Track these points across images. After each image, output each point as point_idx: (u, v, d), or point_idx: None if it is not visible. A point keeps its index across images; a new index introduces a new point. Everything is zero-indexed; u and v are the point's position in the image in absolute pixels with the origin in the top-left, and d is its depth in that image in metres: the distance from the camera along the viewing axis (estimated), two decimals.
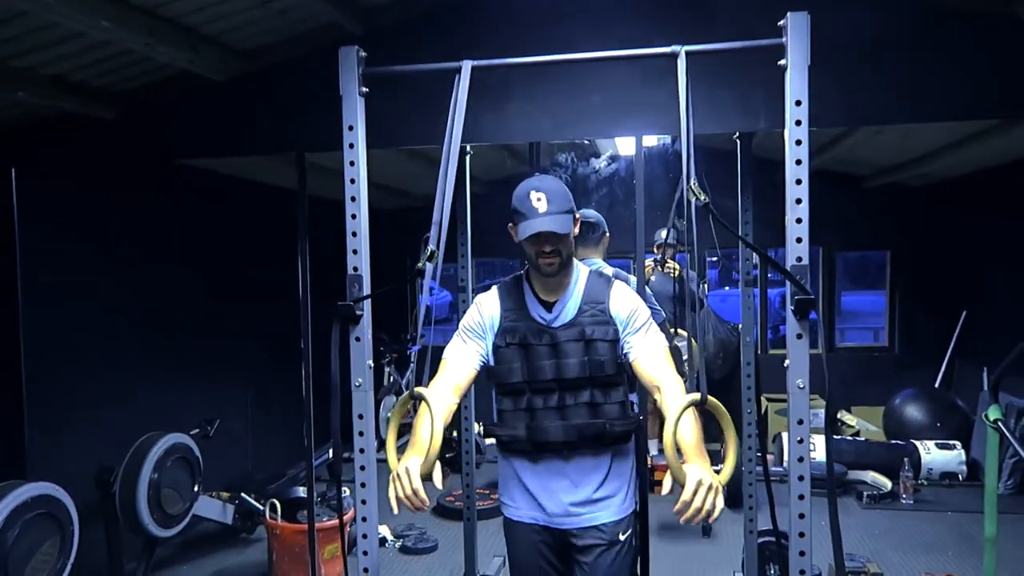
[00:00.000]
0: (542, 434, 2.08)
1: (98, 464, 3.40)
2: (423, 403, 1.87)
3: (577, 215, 2.16)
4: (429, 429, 1.80)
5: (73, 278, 3.81)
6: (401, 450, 1.94)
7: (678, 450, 1.78)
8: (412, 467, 1.77)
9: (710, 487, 1.70)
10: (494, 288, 2.23)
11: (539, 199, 2.01)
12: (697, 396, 1.77)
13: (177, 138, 3.36)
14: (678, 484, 1.72)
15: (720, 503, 1.72)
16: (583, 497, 2.13)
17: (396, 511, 1.83)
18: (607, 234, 3.01)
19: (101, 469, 3.36)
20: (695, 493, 1.68)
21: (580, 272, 2.16)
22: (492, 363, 2.13)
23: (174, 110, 3.31)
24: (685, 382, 2.05)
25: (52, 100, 3.12)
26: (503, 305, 2.15)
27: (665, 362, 2.04)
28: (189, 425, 3.91)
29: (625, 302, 2.11)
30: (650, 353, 2.05)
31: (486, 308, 2.17)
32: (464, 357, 2.14)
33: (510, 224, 2.12)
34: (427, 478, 1.77)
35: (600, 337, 2.06)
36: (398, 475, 1.79)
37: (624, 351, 2.09)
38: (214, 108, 3.27)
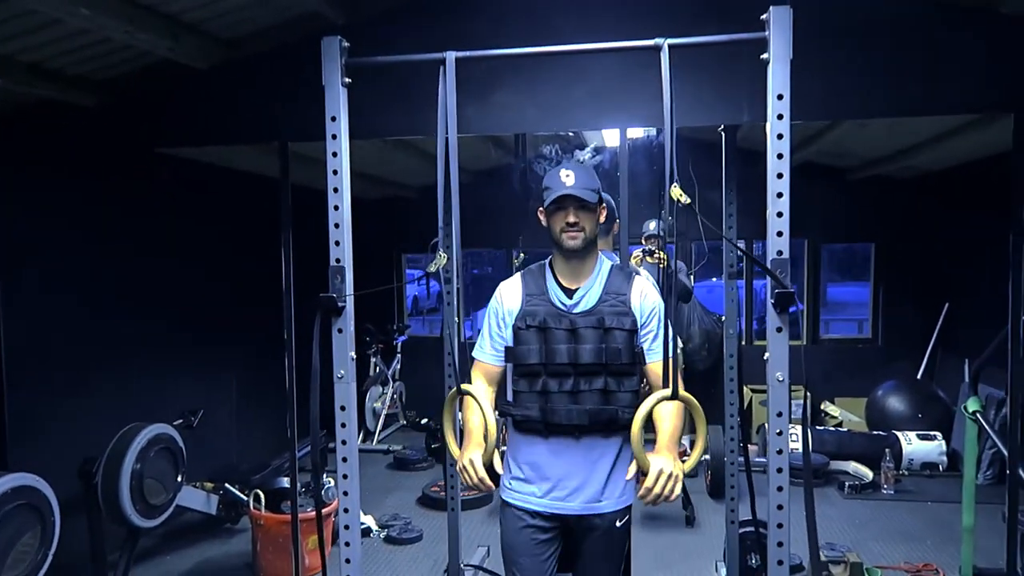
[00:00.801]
0: (555, 416, 2.11)
1: (80, 455, 3.38)
2: (469, 397, 2.06)
3: (603, 204, 2.23)
4: (481, 422, 2.05)
5: (54, 268, 3.77)
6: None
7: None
8: (475, 459, 2.03)
9: (670, 475, 1.94)
10: (517, 275, 2.29)
11: (568, 175, 2.13)
12: (668, 392, 1.95)
13: (159, 126, 3.33)
14: (641, 472, 1.97)
15: (678, 489, 1.96)
16: (590, 488, 2.16)
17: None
18: (617, 220, 3.00)
19: (83, 460, 3.33)
20: (656, 480, 1.93)
21: (603, 263, 2.24)
22: (511, 344, 2.18)
23: (156, 98, 3.27)
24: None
25: (30, 87, 3.07)
26: (525, 290, 2.21)
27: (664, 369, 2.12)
28: (172, 415, 3.89)
29: (646, 298, 2.19)
30: (653, 358, 2.16)
31: (507, 297, 2.24)
32: (490, 353, 2.24)
33: (539, 208, 2.20)
34: (490, 465, 2.03)
35: (618, 326, 2.12)
36: (464, 467, 2.05)
37: (641, 349, 2.16)
38: (196, 96, 3.24)
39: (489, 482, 2.01)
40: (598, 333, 2.11)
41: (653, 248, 5.35)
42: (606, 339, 2.11)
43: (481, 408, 2.04)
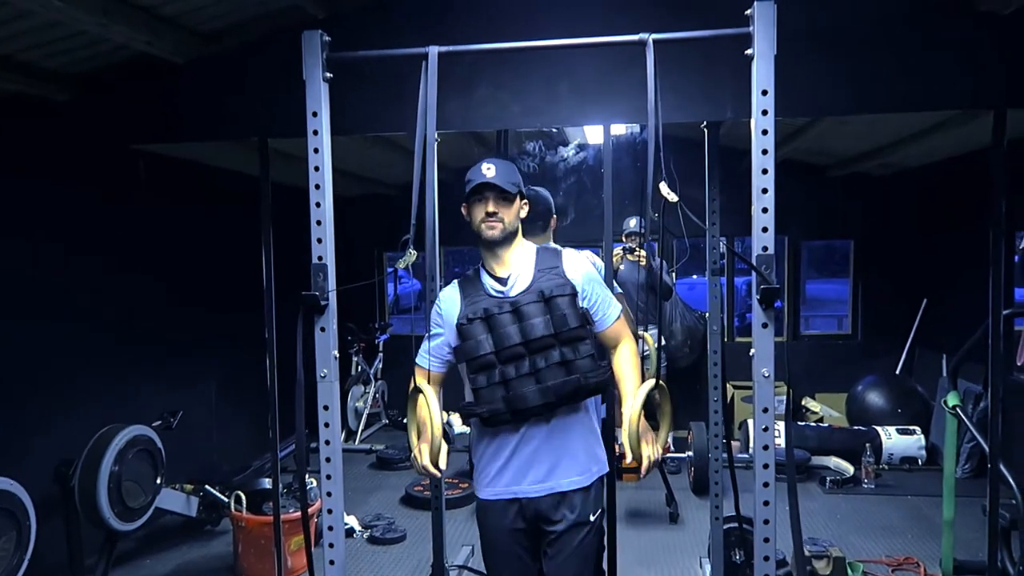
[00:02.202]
0: (521, 402, 2.10)
1: (56, 457, 3.32)
2: (421, 395, 2.12)
3: (524, 200, 2.27)
4: (430, 420, 2.07)
5: (28, 269, 3.69)
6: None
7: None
8: (423, 450, 2.08)
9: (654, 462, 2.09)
10: (454, 283, 2.31)
11: (489, 168, 2.17)
12: (651, 384, 2.05)
13: (135, 122, 3.26)
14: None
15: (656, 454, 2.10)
16: (554, 464, 2.17)
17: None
18: (555, 215, 2.96)
19: (60, 462, 3.28)
20: (647, 470, 2.08)
21: (528, 247, 2.28)
22: (459, 343, 2.17)
23: (132, 93, 3.20)
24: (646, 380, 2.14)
25: (2, 81, 3.00)
26: (463, 292, 2.23)
27: (621, 326, 2.26)
28: (151, 417, 3.83)
29: (578, 265, 2.24)
30: (607, 323, 2.23)
31: (445, 302, 2.27)
32: (430, 357, 2.24)
33: (463, 203, 2.24)
34: (437, 459, 2.07)
35: (559, 293, 2.14)
36: (413, 459, 2.12)
37: (591, 314, 2.19)
38: (174, 91, 3.18)
39: (433, 470, 2.06)
40: (541, 306, 2.13)
41: (633, 246, 5.35)
42: (550, 309, 2.13)
43: (429, 408, 2.07)
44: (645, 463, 2.04)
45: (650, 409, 2.13)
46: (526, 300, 2.13)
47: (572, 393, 2.12)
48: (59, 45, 2.93)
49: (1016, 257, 5.09)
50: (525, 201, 2.27)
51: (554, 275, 2.18)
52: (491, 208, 2.14)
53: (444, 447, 2.08)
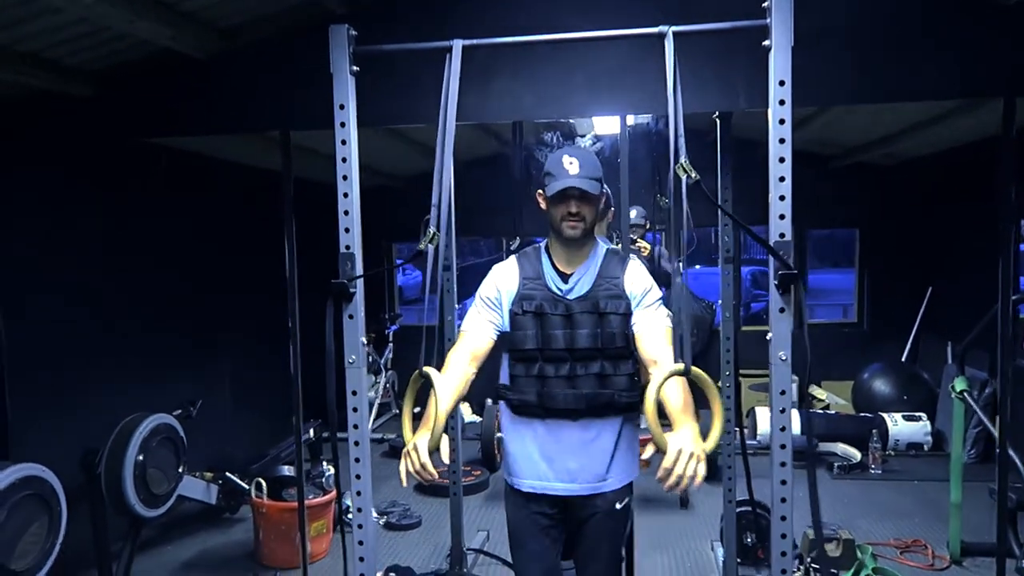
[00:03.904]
0: (552, 401, 2.13)
1: (81, 445, 3.39)
2: (432, 379, 1.98)
3: (605, 190, 2.22)
4: (434, 407, 1.93)
5: (54, 259, 3.76)
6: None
7: (664, 417, 1.87)
8: (420, 444, 1.90)
9: (691, 455, 1.76)
10: (513, 258, 2.28)
11: (571, 163, 2.10)
12: (681, 366, 1.87)
13: (157, 116, 3.32)
14: (660, 452, 1.79)
15: (702, 470, 1.78)
16: (590, 469, 2.17)
17: (404, 483, 1.97)
18: (612, 208, 3.01)
19: (86, 451, 3.34)
20: (676, 461, 1.74)
21: (598, 249, 2.24)
22: (508, 329, 2.18)
23: (154, 88, 3.26)
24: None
25: (27, 78, 3.06)
26: (522, 273, 2.21)
27: (664, 340, 2.11)
28: (172, 406, 3.90)
29: (639, 280, 2.20)
30: (652, 329, 2.12)
31: (502, 279, 2.23)
32: (480, 327, 2.20)
33: (539, 191, 2.20)
34: (436, 451, 1.91)
35: (613, 311, 2.13)
36: (408, 452, 1.92)
37: (631, 324, 2.16)
38: (195, 86, 3.24)
39: (432, 469, 1.89)
40: (594, 318, 2.13)
41: (635, 237, 5.42)
42: (601, 324, 2.13)
43: (436, 395, 1.93)
44: (672, 455, 1.74)
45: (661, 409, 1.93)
46: (580, 308, 2.13)
47: (603, 406, 2.14)
48: (83, 42, 2.98)
49: (1023, 245, 5.13)
50: (603, 194, 2.23)
51: (613, 286, 2.15)
52: (574, 209, 2.10)
53: (445, 439, 1.94)
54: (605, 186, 2.92)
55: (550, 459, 2.19)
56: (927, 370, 6.32)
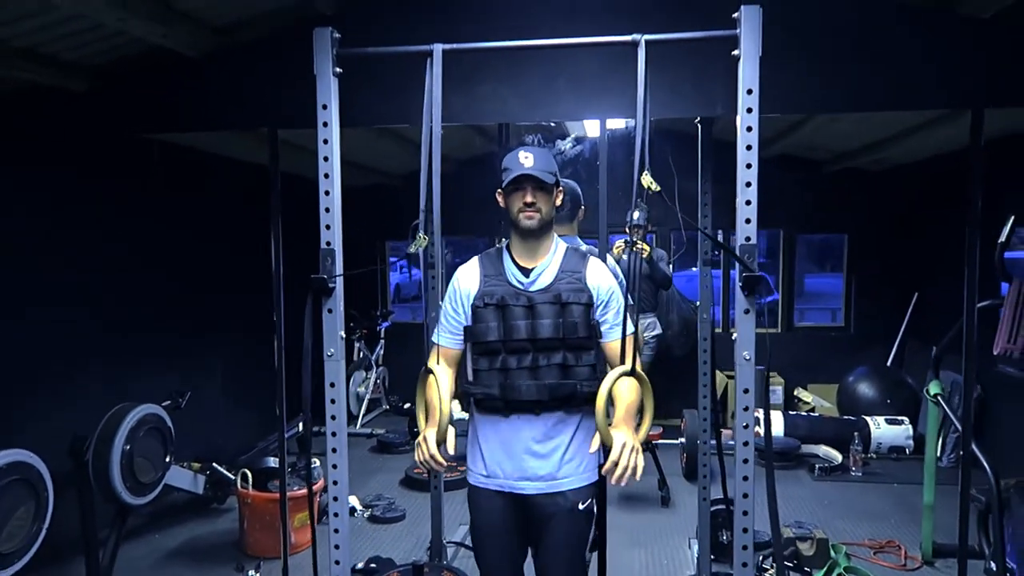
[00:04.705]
0: (515, 392, 2.18)
1: (70, 433, 3.45)
2: (431, 376, 2.15)
3: (560, 189, 2.30)
4: (438, 402, 2.08)
5: (45, 249, 3.83)
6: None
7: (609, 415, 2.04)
8: (429, 437, 2.07)
9: (632, 448, 1.97)
10: (474, 259, 2.34)
11: (526, 157, 2.19)
12: (626, 367, 2.05)
13: (150, 112, 3.38)
14: (604, 444, 1.99)
15: (641, 462, 1.98)
16: (550, 464, 2.21)
17: (422, 472, 2.09)
18: (583, 207, 3.05)
19: (74, 438, 3.40)
20: (620, 454, 1.94)
21: (558, 245, 2.30)
22: (470, 324, 2.23)
23: (147, 84, 3.31)
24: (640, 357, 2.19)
25: (22, 72, 3.12)
26: (483, 271, 2.27)
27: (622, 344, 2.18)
28: (161, 396, 3.96)
29: (602, 277, 2.26)
30: (612, 336, 2.23)
31: (463, 280, 2.29)
32: (449, 336, 2.29)
33: (498, 191, 2.27)
34: (443, 443, 2.07)
35: (575, 301, 2.18)
36: (418, 443, 2.10)
37: (599, 325, 2.22)
38: (187, 83, 3.29)
39: (440, 458, 2.05)
40: (555, 308, 2.17)
41: (636, 238, 5.47)
42: (563, 314, 2.17)
43: (439, 390, 2.09)
44: (616, 449, 1.94)
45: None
46: (542, 299, 2.18)
47: (566, 397, 2.19)
48: (79, 38, 3.04)
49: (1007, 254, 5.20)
50: (560, 190, 2.29)
51: (575, 280, 2.21)
52: (529, 198, 2.17)
53: (451, 431, 2.08)
54: (574, 185, 2.98)
55: (511, 456, 2.22)
56: (912, 375, 6.39)
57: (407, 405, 6.69)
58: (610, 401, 2.09)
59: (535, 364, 2.18)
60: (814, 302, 14.29)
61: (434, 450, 2.05)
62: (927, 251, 6.47)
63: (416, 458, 2.13)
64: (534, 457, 2.21)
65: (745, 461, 2.20)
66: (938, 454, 5.13)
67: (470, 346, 2.24)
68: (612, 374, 2.05)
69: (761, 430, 2.27)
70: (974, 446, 3.02)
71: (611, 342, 2.23)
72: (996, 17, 2.73)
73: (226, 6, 3.10)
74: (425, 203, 2.16)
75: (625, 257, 5.46)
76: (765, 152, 2.13)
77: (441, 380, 2.12)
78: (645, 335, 5.38)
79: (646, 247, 5.25)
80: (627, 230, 5.50)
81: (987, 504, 3.47)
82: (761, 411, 2.31)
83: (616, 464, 1.93)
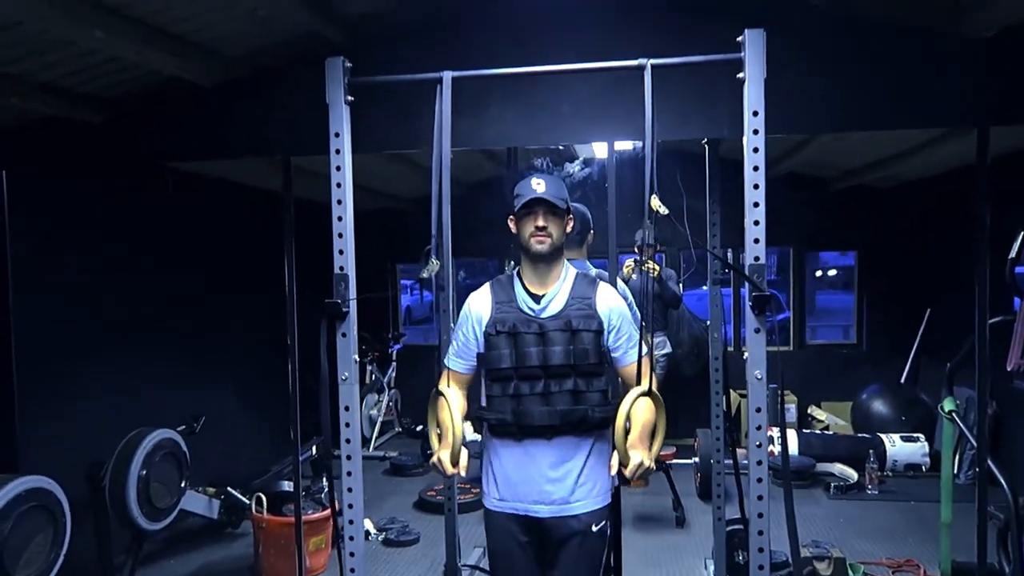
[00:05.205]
0: (527, 418, 2.20)
1: (87, 458, 3.48)
2: (442, 399, 2.20)
3: (571, 215, 2.34)
4: (451, 423, 2.12)
5: (63, 277, 3.89)
6: None
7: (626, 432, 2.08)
8: (443, 458, 2.12)
9: (648, 469, 2.06)
10: (486, 285, 2.37)
11: (538, 184, 2.23)
12: (644, 388, 2.10)
13: (165, 141, 3.44)
14: (622, 465, 2.05)
15: (646, 478, 2.06)
16: (564, 487, 2.23)
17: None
18: (592, 231, 3.09)
19: (91, 464, 3.44)
20: (635, 472, 2.04)
21: (568, 271, 2.33)
22: (483, 350, 2.26)
23: (162, 114, 3.38)
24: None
25: (41, 105, 3.19)
26: (494, 298, 2.30)
27: (637, 366, 2.22)
28: (176, 420, 4.00)
29: (612, 302, 2.29)
30: (628, 360, 2.25)
31: (475, 306, 2.32)
32: (461, 362, 2.33)
33: (510, 216, 2.30)
34: (456, 460, 2.12)
35: (585, 328, 2.21)
36: (434, 464, 2.16)
37: (611, 350, 2.25)
38: (201, 113, 3.36)
39: (455, 471, 2.12)
40: (566, 335, 2.20)
41: (646, 258, 5.48)
42: (574, 341, 2.20)
43: (450, 408, 2.14)
44: (631, 466, 2.01)
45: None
46: (553, 326, 2.21)
47: (577, 422, 2.21)
48: (95, 71, 3.11)
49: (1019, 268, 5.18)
50: (571, 216, 2.33)
51: (585, 306, 2.23)
52: (541, 223, 2.20)
53: (464, 452, 2.12)
54: (584, 209, 3.01)
55: (525, 480, 2.25)
56: (926, 391, 6.34)
57: (420, 427, 6.68)
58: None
59: (547, 390, 2.20)
60: (824, 319, 14.24)
61: (451, 469, 2.10)
62: (937, 267, 6.45)
63: (436, 471, 2.20)
64: (548, 481, 2.23)
65: (759, 480, 2.21)
66: (955, 471, 5.07)
67: (484, 372, 2.27)
68: (631, 395, 2.08)
69: (775, 449, 2.28)
70: (990, 463, 2.99)
71: (626, 366, 2.26)
72: (999, 36, 2.76)
73: (239, 37, 3.17)
74: (436, 227, 2.20)
75: (635, 277, 5.49)
76: (773, 171, 2.15)
77: (452, 402, 2.17)
78: (656, 354, 5.40)
79: (656, 267, 5.27)
80: (635, 249, 5.55)
81: (1006, 521, 3.43)
82: (776, 430, 2.32)
83: (627, 481, 2.07)
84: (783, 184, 6.14)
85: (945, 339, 6.33)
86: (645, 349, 2.14)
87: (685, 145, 4.73)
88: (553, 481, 2.23)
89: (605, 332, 2.24)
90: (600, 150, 5.15)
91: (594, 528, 2.26)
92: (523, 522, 2.28)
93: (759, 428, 2.21)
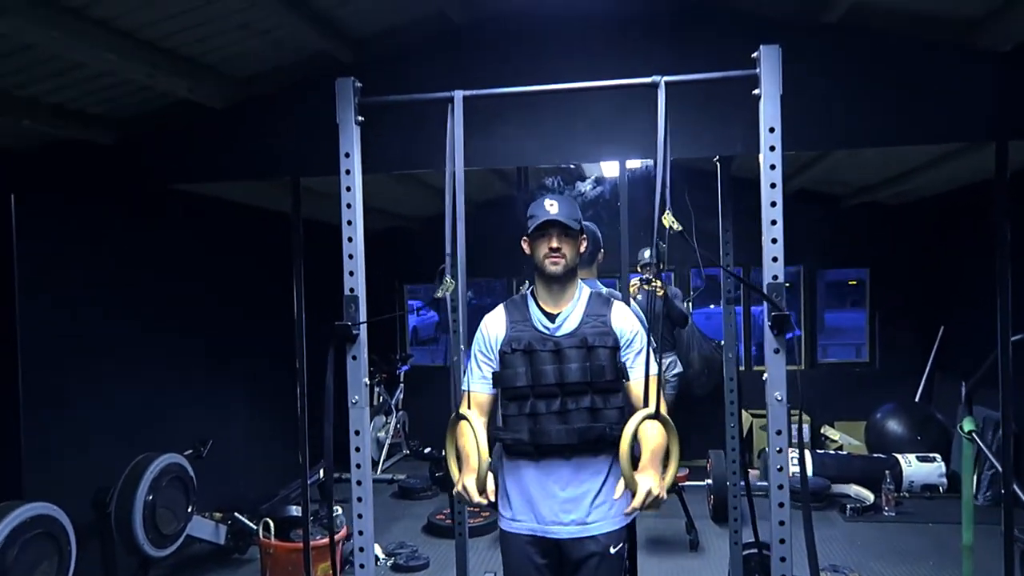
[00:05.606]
0: (544, 437, 2.17)
1: (93, 484, 3.44)
2: (464, 423, 2.14)
3: (584, 236, 2.32)
4: (475, 447, 2.06)
5: (70, 300, 3.87)
6: None
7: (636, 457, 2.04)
8: (469, 485, 2.06)
9: (656, 497, 2.01)
10: (500, 306, 2.36)
11: (552, 205, 2.23)
12: (651, 410, 2.04)
13: (175, 163, 3.43)
14: (629, 490, 1.99)
15: (657, 505, 2.04)
16: (582, 507, 2.19)
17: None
18: (602, 250, 3.07)
19: (98, 490, 3.40)
20: (643, 501, 1.99)
21: (582, 290, 2.32)
22: (499, 370, 2.23)
23: (172, 136, 3.38)
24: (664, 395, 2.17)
25: (53, 128, 3.19)
26: (509, 318, 2.29)
27: (647, 386, 2.17)
28: (183, 444, 3.95)
29: (626, 320, 2.27)
30: (639, 378, 2.22)
31: (491, 327, 2.31)
32: (479, 383, 2.29)
33: (523, 238, 2.29)
34: (483, 487, 2.05)
35: (601, 344, 2.19)
36: (459, 493, 2.10)
37: (623, 366, 2.22)
38: (211, 134, 3.35)
39: (483, 499, 2.06)
40: (582, 352, 2.18)
41: (650, 276, 5.45)
42: (590, 358, 2.18)
43: (474, 432, 2.08)
44: (639, 496, 1.97)
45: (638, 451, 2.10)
46: (568, 344, 2.19)
47: (595, 440, 2.18)
48: (106, 93, 3.12)
49: None
50: (584, 237, 2.32)
51: (600, 323, 2.23)
52: (555, 244, 2.20)
53: (491, 477, 2.07)
54: (594, 228, 2.98)
55: (542, 501, 2.21)
56: (942, 410, 6.24)
57: (428, 449, 6.61)
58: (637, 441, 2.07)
59: (564, 408, 2.17)
60: (836, 338, 14.13)
61: (477, 497, 2.04)
62: (951, 284, 6.39)
63: (463, 501, 2.14)
64: (565, 501, 2.20)
65: (781, 505, 2.15)
66: (973, 492, 4.98)
67: (500, 391, 2.24)
68: (636, 417, 2.03)
69: (794, 470, 2.22)
70: (1015, 486, 2.92)
71: (633, 382, 2.22)
72: (1016, 50, 2.73)
73: (249, 59, 3.17)
74: (451, 246, 2.18)
75: (640, 296, 5.45)
76: (784, 188, 2.11)
77: (476, 426, 2.11)
78: (667, 374, 5.34)
79: (661, 285, 5.23)
80: (639, 268, 5.51)
81: None
82: (794, 451, 2.26)
83: (637, 510, 2.01)
84: (794, 200, 6.08)
85: (959, 357, 6.25)
86: (653, 369, 2.10)
87: (694, 162, 4.71)
88: (570, 501, 2.20)
89: (620, 350, 2.21)
90: (608, 169, 5.13)
91: (612, 550, 2.23)
92: (540, 544, 2.25)
93: (780, 451, 2.15)
